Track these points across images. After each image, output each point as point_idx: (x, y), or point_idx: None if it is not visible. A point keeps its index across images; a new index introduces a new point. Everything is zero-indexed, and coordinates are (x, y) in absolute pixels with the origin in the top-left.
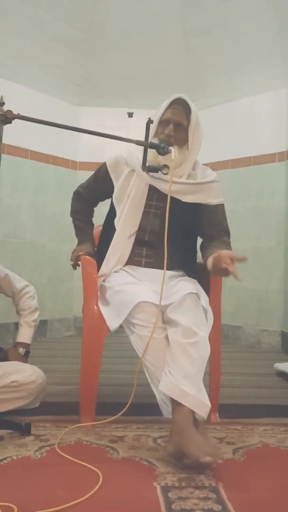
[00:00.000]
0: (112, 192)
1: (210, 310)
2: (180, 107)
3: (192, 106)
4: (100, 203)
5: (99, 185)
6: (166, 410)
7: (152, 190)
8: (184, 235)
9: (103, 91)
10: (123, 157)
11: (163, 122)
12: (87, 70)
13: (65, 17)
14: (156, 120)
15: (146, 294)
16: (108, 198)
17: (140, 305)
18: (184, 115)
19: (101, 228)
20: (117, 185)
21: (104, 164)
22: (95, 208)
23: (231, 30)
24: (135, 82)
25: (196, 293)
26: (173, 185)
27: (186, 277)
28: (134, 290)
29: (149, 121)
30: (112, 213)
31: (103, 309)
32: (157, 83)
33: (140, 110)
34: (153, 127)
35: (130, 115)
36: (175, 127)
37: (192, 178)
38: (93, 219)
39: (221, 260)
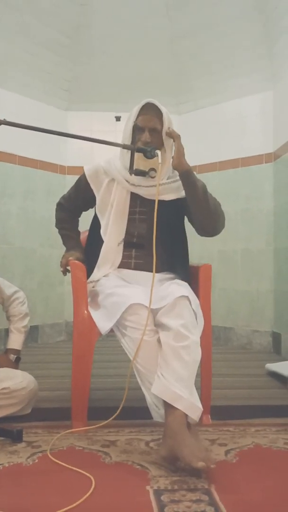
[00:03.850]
0: (94, 201)
1: (200, 313)
2: (151, 112)
3: (163, 109)
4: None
5: (81, 195)
6: (157, 413)
7: (135, 196)
8: (171, 235)
9: (91, 96)
10: (102, 167)
11: (137, 130)
12: (74, 74)
13: (51, 22)
14: (129, 127)
15: (138, 296)
16: (91, 207)
17: (132, 307)
18: (156, 119)
19: (87, 233)
20: (98, 196)
21: (83, 175)
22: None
23: (218, 33)
24: (123, 86)
25: (187, 296)
26: (155, 188)
27: (177, 280)
28: (126, 292)
29: (117, 119)
30: (95, 223)
31: (94, 313)
32: (145, 87)
33: (127, 114)
34: (127, 134)
35: (118, 119)
36: (150, 133)
37: (173, 179)
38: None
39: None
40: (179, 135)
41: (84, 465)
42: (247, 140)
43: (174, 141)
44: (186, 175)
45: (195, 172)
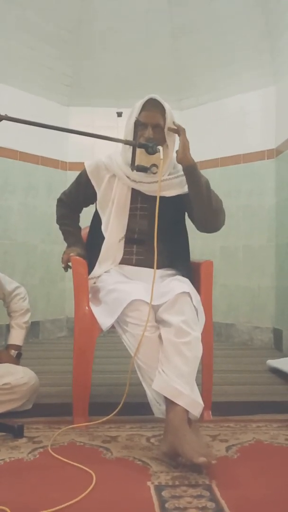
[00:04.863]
0: (95, 197)
1: (201, 310)
2: (155, 109)
3: (166, 105)
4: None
5: (81, 191)
6: (158, 409)
7: (135, 192)
8: (172, 232)
9: (92, 91)
10: (103, 162)
11: (140, 126)
12: (75, 70)
13: (52, 18)
14: (131, 123)
15: (139, 293)
16: (92, 203)
17: (133, 303)
18: (159, 115)
19: (87, 230)
20: (99, 192)
21: (84, 170)
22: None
23: (219, 29)
24: (124, 81)
25: (188, 293)
26: (156, 184)
27: (178, 276)
28: (127, 288)
29: (119, 114)
30: (96, 220)
31: (95, 309)
32: (146, 82)
33: (129, 109)
34: (129, 130)
35: (119, 114)
36: (153, 129)
37: (174, 175)
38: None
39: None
40: (185, 129)
41: (85, 460)
42: (249, 136)
43: (179, 135)
44: (190, 170)
45: None
